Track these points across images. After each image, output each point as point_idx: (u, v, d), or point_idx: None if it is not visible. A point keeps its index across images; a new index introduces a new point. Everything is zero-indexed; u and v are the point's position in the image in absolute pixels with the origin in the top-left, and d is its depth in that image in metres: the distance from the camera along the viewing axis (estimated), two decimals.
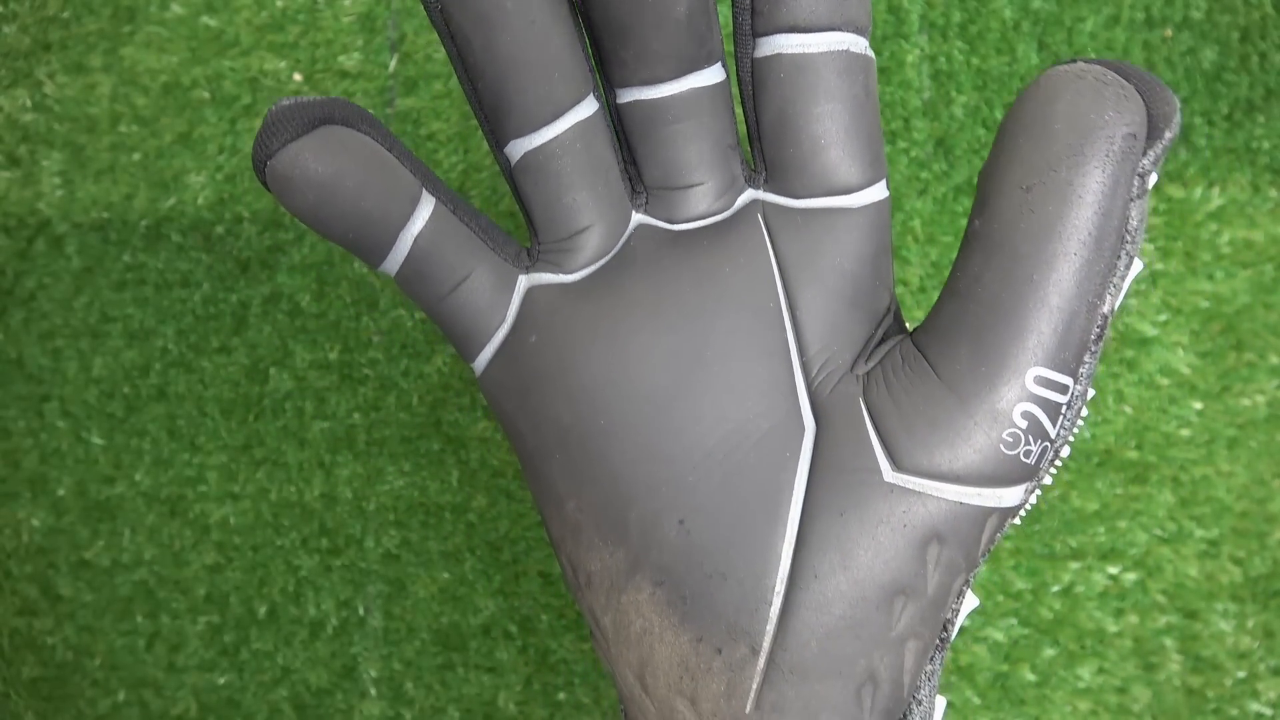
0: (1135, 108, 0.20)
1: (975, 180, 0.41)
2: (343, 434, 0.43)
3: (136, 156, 0.43)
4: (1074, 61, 0.21)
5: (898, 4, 0.42)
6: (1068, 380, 0.20)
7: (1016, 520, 0.22)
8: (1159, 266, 0.40)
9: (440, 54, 0.43)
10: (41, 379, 0.44)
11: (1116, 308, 0.21)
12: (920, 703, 0.22)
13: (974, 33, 0.42)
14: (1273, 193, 0.40)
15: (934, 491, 0.20)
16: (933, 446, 0.20)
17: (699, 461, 0.22)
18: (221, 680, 0.43)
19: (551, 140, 0.23)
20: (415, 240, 0.23)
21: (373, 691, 0.42)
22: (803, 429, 0.22)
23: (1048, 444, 0.20)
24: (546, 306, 0.24)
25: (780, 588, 0.21)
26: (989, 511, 0.21)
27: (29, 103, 0.44)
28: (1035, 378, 0.20)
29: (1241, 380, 0.40)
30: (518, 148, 0.23)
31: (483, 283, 0.24)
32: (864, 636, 0.20)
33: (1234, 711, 0.40)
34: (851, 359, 0.22)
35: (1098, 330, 0.20)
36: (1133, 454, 0.40)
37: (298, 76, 0.43)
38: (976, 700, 0.40)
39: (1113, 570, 0.40)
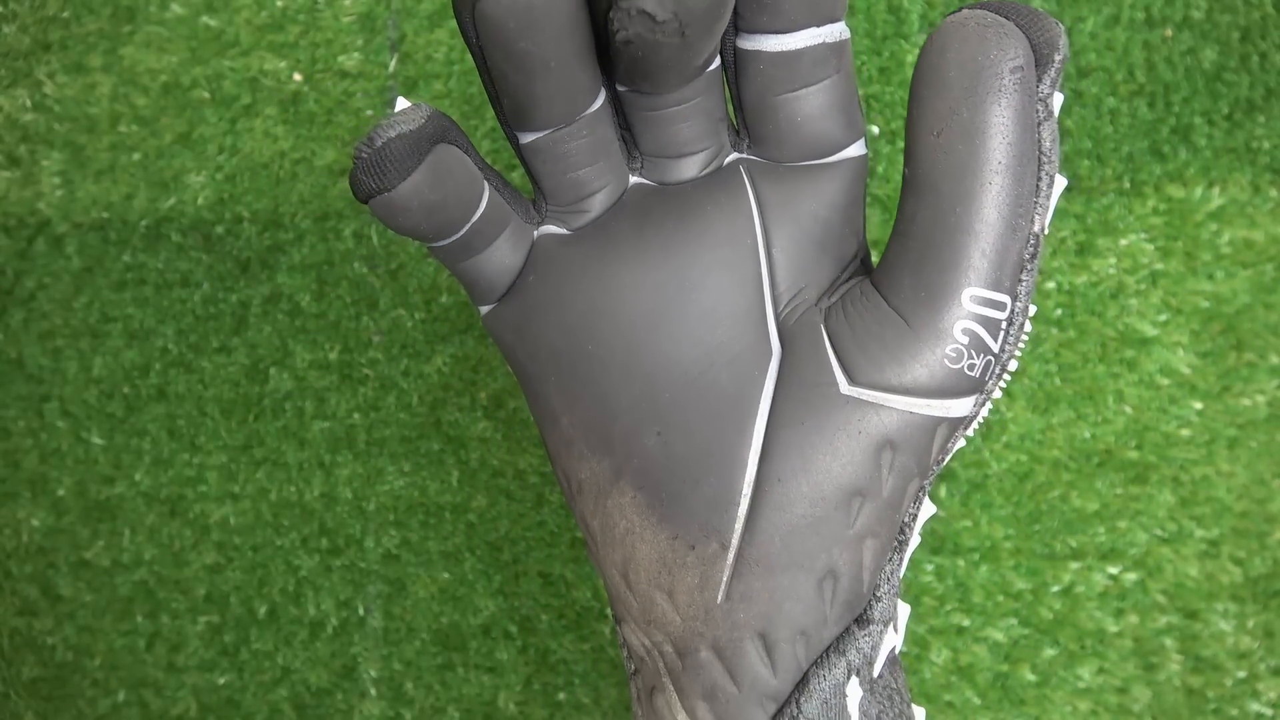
0: (1016, 42, 0.21)
1: None
2: (343, 434, 0.43)
3: (136, 156, 0.43)
4: (960, 10, 0.23)
5: (898, 4, 0.42)
6: (1005, 298, 0.22)
7: (969, 432, 0.24)
8: (1159, 266, 0.40)
9: (440, 54, 0.43)
10: (41, 379, 0.44)
11: (1047, 225, 0.23)
12: (880, 600, 0.24)
13: None
14: (1273, 193, 0.40)
15: (886, 402, 0.22)
16: (884, 363, 0.22)
17: (676, 379, 0.24)
18: (221, 680, 0.43)
19: (563, 129, 0.25)
20: (472, 223, 0.25)
21: (373, 691, 0.42)
22: (770, 352, 0.24)
23: (991, 358, 0.22)
24: (545, 252, 0.26)
25: (747, 490, 0.23)
26: (938, 421, 0.23)
27: (29, 103, 0.44)
28: (972, 297, 0.22)
29: (1242, 380, 0.40)
30: (530, 135, 0.25)
31: (507, 244, 0.26)
32: (824, 534, 0.22)
33: (1234, 711, 0.40)
34: (817, 295, 0.24)
35: (1031, 249, 0.22)
36: (1133, 454, 0.40)
37: (298, 76, 0.43)
38: (976, 700, 0.40)
39: (1113, 570, 0.40)
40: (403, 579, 0.42)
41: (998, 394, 0.24)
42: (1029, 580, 0.40)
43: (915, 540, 0.24)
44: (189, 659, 0.43)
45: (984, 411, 0.24)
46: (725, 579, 0.23)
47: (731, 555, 0.23)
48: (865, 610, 0.23)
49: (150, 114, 0.44)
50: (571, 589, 0.42)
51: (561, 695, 0.42)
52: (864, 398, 0.22)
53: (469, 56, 0.47)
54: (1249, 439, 0.40)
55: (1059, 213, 0.41)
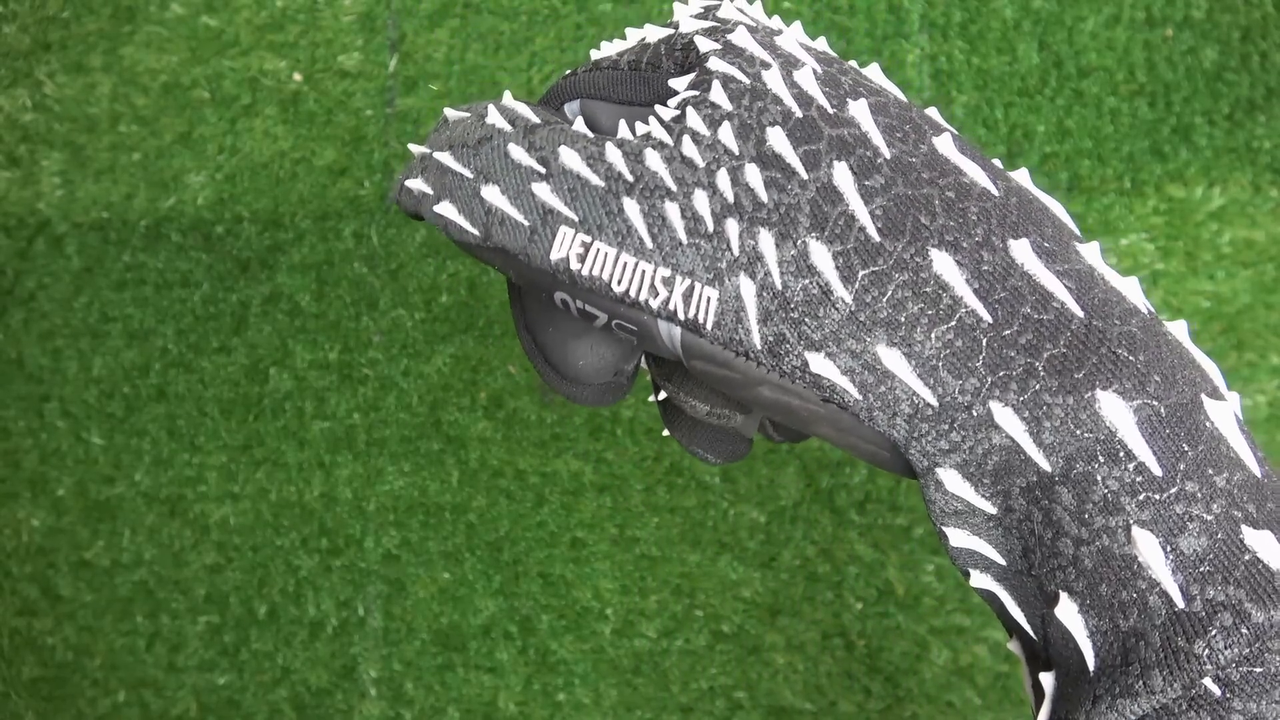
0: None
1: None
2: (343, 434, 0.43)
3: (136, 156, 0.43)
4: None
5: (898, 4, 0.42)
6: None
7: None
8: (1160, 266, 0.40)
9: (440, 54, 0.43)
10: (41, 379, 0.43)
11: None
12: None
13: (974, 32, 0.42)
14: (1273, 192, 0.40)
15: None
16: None
17: None
18: (221, 680, 0.43)
19: None
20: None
21: (373, 691, 0.42)
22: None
23: None
24: None
25: None
26: None
27: (29, 103, 0.44)
28: None
29: (1242, 380, 0.40)
30: None
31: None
32: None
33: None
34: None
35: None
36: None
37: (297, 76, 0.43)
38: (977, 700, 0.40)
39: None
40: (403, 579, 0.42)
41: None
42: None
43: None
44: (189, 659, 0.43)
45: None
46: None
47: None
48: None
49: (150, 114, 0.43)
50: (571, 589, 0.42)
51: (561, 695, 0.42)
52: None
53: (469, 56, 0.47)
54: None
55: None
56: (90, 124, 0.44)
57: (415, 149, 0.23)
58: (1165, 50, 0.41)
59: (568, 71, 0.26)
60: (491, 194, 0.21)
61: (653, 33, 0.25)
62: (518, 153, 0.22)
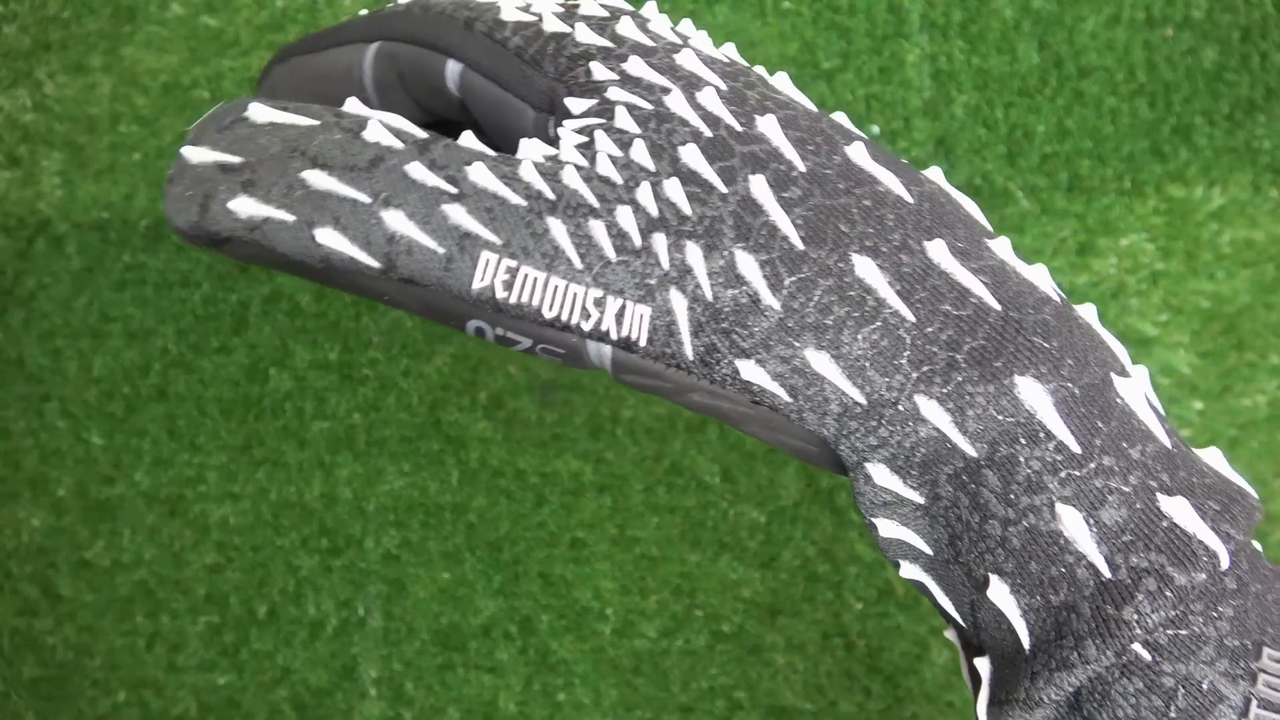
0: None
1: (976, 180, 0.41)
2: (343, 434, 0.43)
3: (136, 156, 0.43)
4: None
5: (898, 3, 0.42)
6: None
7: None
8: (1160, 266, 0.40)
9: None
10: (41, 379, 0.43)
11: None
12: None
13: (975, 32, 0.42)
14: (1273, 192, 0.40)
15: None
16: None
17: None
18: (221, 680, 0.43)
19: None
20: None
21: (373, 691, 0.42)
22: None
23: None
24: None
25: None
26: None
27: (29, 103, 0.44)
28: None
29: (1242, 380, 0.40)
30: None
31: None
32: None
33: None
34: None
35: None
36: None
37: None
38: None
39: None
40: (403, 579, 0.42)
41: None
42: None
43: None
44: (189, 659, 0.43)
45: None
46: None
47: None
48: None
49: (150, 114, 0.44)
50: (571, 589, 0.42)
51: (561, 695, 0.42)
52: None
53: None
54: (1249, 439, 0.40)
55: (1060, 213, 0.41)
56: (90, 124, 0.44)
57: (220, 157, 0.20)
58: (1165, 50, 0.41)
59: (424, 4, 0.24)
60: (396, 220, 0.19)
61: (540, 2, 0.23)
62: (419, 172, 0.20)
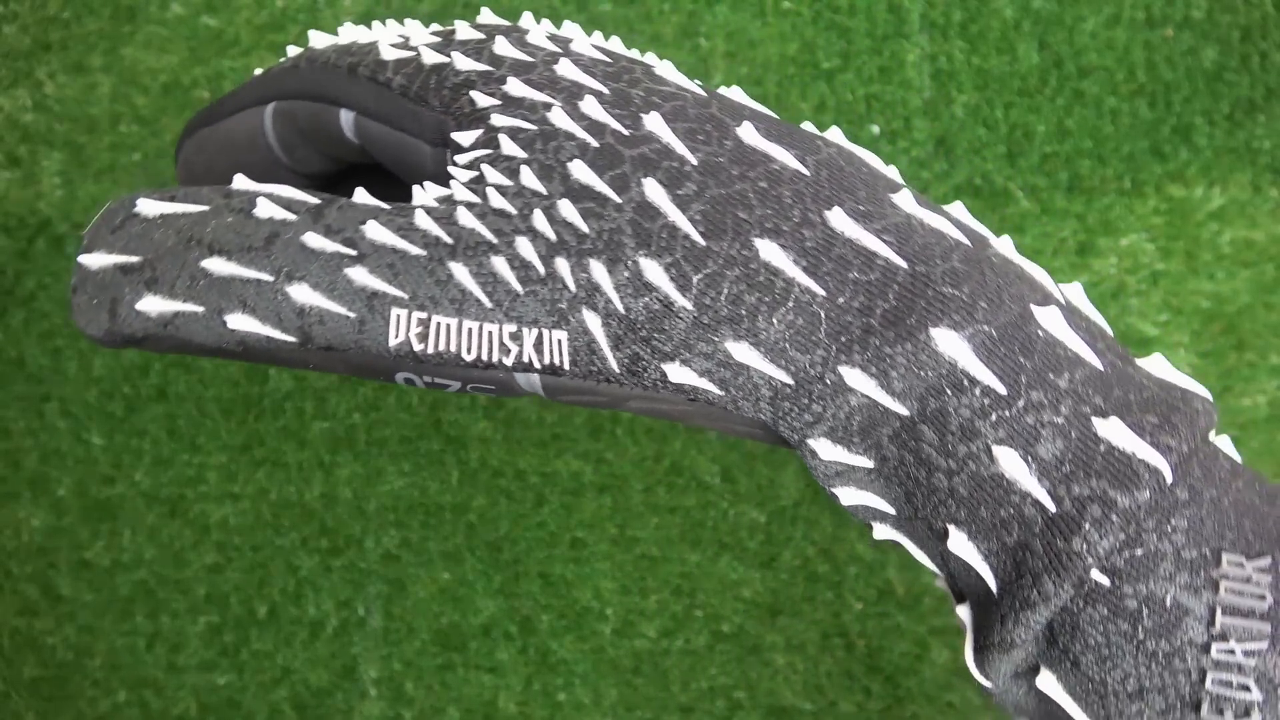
0: None
1: (976, 180, 0.41)
2: (343, 434, 0.43)
3: (137, 156, 0.43)
4: None
5: (898, 3, 0.42)
6: None
7: None
8: (1160, 266, 0.40)
9: None
10: (41, 379, 0.44)
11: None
12: None
13: (975, 32, 0.42)
14: (1274, 192, 0.40)
15: None
16: None
17: None
18: (221, 680, 0.43)
19: None
20: None
21: (373, 691, 0.42)
22: None
23: None
24: None
25: None
26: None
27: (29, 103, 0.44)
28: None
29: (1243, 380, 0.40)
30: None
31: None
32: None
33: None
34: None
35: None
36: None
37: None
38: (977, 700, 0.40)
39: None
40: (403, 579, 0.42)
41: None
42: None
43: None
44: (189, 659, 0.43)
45: None
46: None
47: None
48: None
49: (150, 114, 0.44)
50: (571, 589, 0.42)
51: (561, 695, 0.42)
52: None
53: None
54: (1249, 439, 0.40)
55: (1060, 213, 0.41)
56: (90, 124, 0.44)
57: (119, 259, 0.20)
58: (1165, 50, 0.41)
59: (310, 57, 0.24)
60: (301, 293, 0.19)
61: (416, 34, 0.23)
62: (316, 240, 0.20)
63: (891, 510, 0.19)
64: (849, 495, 0.20)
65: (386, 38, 0.23)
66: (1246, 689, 0.16)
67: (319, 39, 0.25)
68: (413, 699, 0.42)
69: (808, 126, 0.22)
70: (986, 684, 0.19)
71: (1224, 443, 0.19)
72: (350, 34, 0.25)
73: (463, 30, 0.23)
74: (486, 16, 0.24)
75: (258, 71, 0.26)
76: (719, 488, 0.42)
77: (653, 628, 0.42)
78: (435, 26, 0.24)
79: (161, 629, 0.43)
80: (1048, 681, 0.18)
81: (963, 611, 0.19)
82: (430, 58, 0.22)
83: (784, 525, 0.41)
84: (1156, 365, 0.19)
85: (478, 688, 0.42)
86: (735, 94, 0.22)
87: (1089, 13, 0.41)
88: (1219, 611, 0.17)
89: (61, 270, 0.44)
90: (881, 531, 0.20)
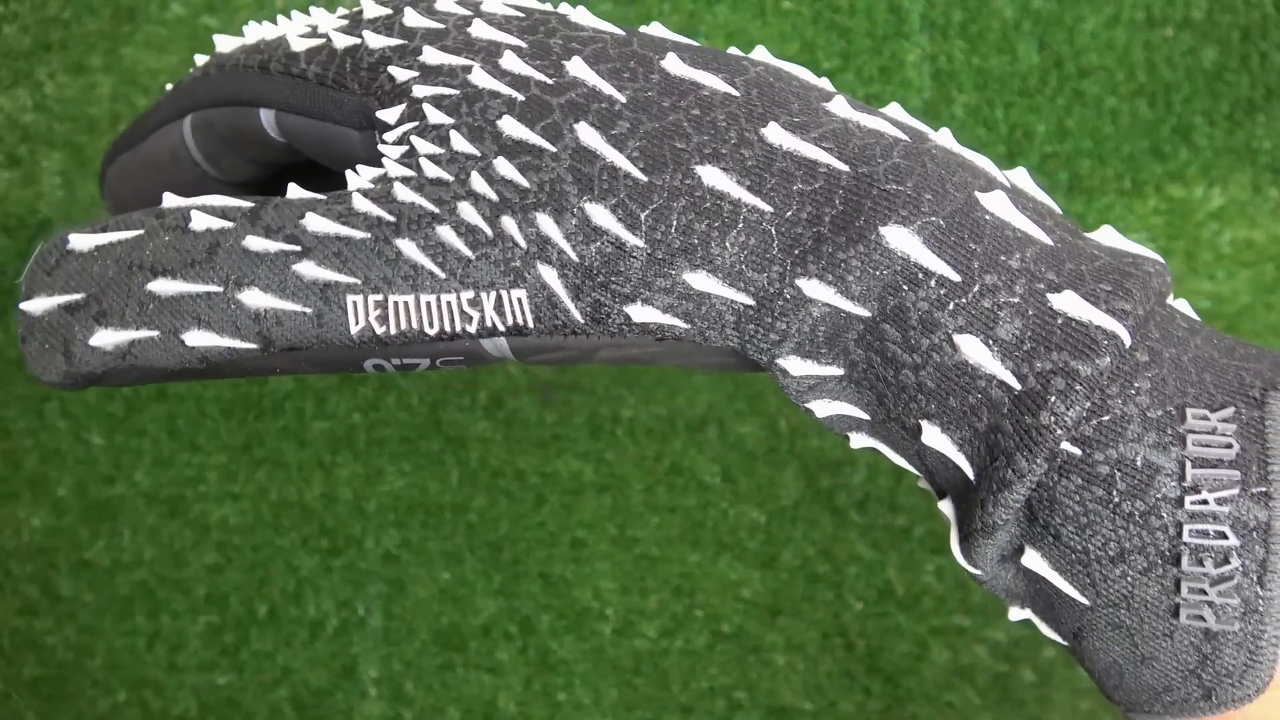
0: None
1: None
2: (343, 434, 0.43)
3: None
4: None
5: (898, 4, 0.42)
6: None
7: None
8: None
9: None
10: None
11: None
12: None
13: (975, 32, 0.42)
14: (1273, 192, 0.40)
15: None
16: None
17: None
18: (221, 680, 0.43)
19: None
20: None
21: (373, 691, 0.42)
22: None
23: None
24: None
25: None
26: None
27: (29, 103, 0.44)
28: None
29: None
30: None
31: None
32: None
33: None
34: None
35: None
36: None
37: None
38: (977, 700, 0.40)
39: None
40: (403, 579, 0.42)
41: None
42: None
43: None
44: (189, 659, 0.43)
45: None
46: None
47: None
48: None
49: None
50: (571, 589, 0.42)
51: (561, 695, 0.42)
52: None
53: None
54: None
55: None
56: (90, 124, 0.44)
57: (61, 300, 0.20)
58: (1165, 50, 0.41)
59: (219, 63, 0.24)
60: (253, 298, 0.19)
61: (324, 21, 0.23)
62: (258, 243, 0.19)
63: (866, 415, 0.20)
64: (823, 408, 0.20)
65: (295, 29, 0.23)
66: (1223, 535, 0.17)
67: (225, 42, 0.25)
68: (413, 699, 0.42)
69: (732, 51, 0.22)
70: (975, 572, 0.19)
71: (1182, 305, 0.20)
72: (257, 33, 0.24)
73: (370, 8, 0.22)
74: None
75: (169, 87, 0.26)
76: (719, 488, 0.42)
77: (653, 628, 0.42)
78: (342, 10, 0.24)
79: (161, 629, 0.43)
80: (1033, 559, 0.18)
81: (944, 506, 0.20)
82: (341, 41, 0.22)
83: (784, 525, 0.41)
84: (1106, 235, 0.19)
85: (478, 688, 0.42)
86: (655, 29, 0.22)
87: (1089, 13, 0.41)
88: (1189, 465, 0.17)
89: None
90: (858, 440, 0.20)
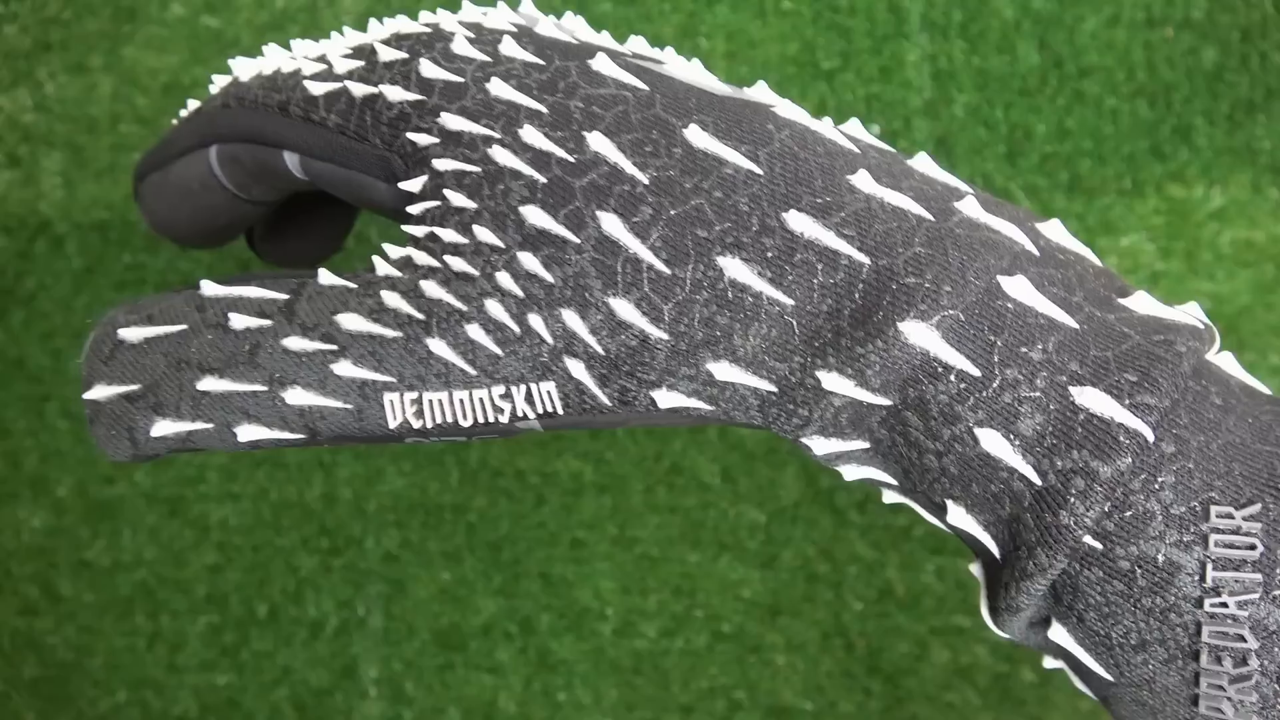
0: None
1: (976, 180, 0.41)
2: None
3: (137, 156, 0.43)
4: None
5: (898, 3, 0.42)
6: None
7: None
8: (1160, 266, 0.40)
9: None
10: (41, 379, 0.44)
11: None
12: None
13: (975, 32, 0.42)
14: (1273, 192, 0.40)
15: None
16: None
17: None
18: (221, 680, 0.43)
19: None
20: None
21: (373, 691, 0.42)
22: None
23: None
24: None
25: None
26: None
27: (30, 103, 0.44)
28: None
29: None
30: None
31: None
32: None
33: None
34: None
35: None
36: None
37: None
38: (977, 700, 0.40)
39: None
40: (403, 579, 0.42)
41: None
42: None
43: None
44: (189, 659, 0.43)
45: None
46: None
47: None
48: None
49: (151, 114, 0.44)
50: (571, 589, 0.42)
51: (561, 695, 0.42)
52: None
53: None
54: None
55: (1060, 213, 0.41)
56: (91, 124, 0.44)
57: (120, 390, 0.21)
58: (1165, 50, 0.41)
59: (238, 95, 0.24)
60: (296, 396, 0.20)
61: (333, 51, 0.23)
62: (297, 343, 0.20)
63: (894, 481, 0.20)
64: (852, 471, 0.20)
65: (308, 68, 0.23)
66: (1242, 639, 0.17)
67: (243, 66, 0.25)
68: (413, 699, 0.42)
69: (760, 88, 0.21)
70: (1005, 636, 0.20)
71: (1226, 360, 0.19)
72: (273, 57, 0.25)
73: (384, 52, 0.22)
74: (412, 25, 0.23)
75: (192, 103, 0.26)
76: (719, 488, 0.42)
77: (653, 628, 0.42)
78: (351, 37, 0.24)
79: (161, 629, 0.43)
80: (1059, 633, 0.18)
81: (975, 569, 0.20)
82: (359, 90, 0.22)
83: (784, 525, 0.41)
84: (1141, 303, 0.19)
85: (478, 688, 0.42)
86: (677, 66, 0.22)
87: (1089, 13, 0.41)
88: (1210, 566, 0.17)
89: (62, 270, 0.44)
90: (891, 497, 0.20)
